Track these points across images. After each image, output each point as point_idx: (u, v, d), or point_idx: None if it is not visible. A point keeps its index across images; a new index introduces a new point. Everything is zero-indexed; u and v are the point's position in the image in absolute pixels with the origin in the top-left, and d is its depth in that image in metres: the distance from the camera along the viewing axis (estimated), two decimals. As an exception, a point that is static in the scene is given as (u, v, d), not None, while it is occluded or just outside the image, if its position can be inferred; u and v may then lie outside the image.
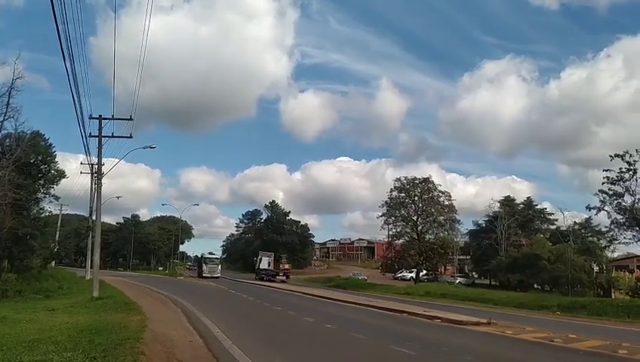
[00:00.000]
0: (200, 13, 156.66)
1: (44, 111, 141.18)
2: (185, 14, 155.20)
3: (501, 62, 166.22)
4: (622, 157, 31.47)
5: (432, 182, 53.55)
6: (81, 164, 42.32)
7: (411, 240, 53.46)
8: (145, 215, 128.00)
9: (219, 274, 61.96)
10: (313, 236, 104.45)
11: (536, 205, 69.04)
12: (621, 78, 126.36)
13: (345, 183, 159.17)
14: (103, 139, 25.12)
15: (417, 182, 53.53)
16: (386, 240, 59.33)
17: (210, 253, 72.06)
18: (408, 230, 54.00)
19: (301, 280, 63.17)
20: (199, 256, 73.14)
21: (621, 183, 31.92)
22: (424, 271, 59.33)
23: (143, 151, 30.37)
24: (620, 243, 38.78)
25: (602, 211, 34.03)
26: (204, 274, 61.00)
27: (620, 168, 31.69)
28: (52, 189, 36.73)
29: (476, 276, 70.31)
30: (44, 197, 36.40)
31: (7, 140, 29.32)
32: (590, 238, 51.70)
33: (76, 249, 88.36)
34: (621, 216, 32.94)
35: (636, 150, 31.28)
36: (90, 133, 25.07)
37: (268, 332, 13.59)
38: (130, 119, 25.63)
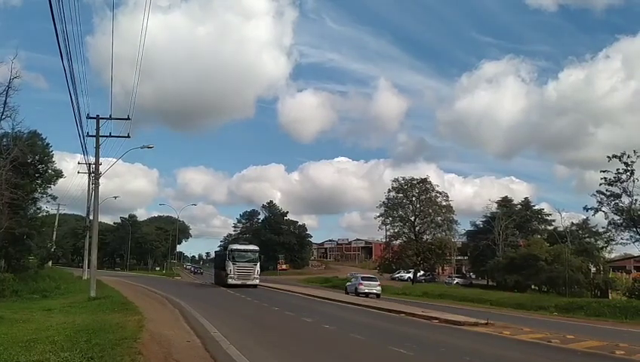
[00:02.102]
0: (198, 12, 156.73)
1: (42, 111, 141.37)
2: (182, 14, 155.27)
3: (500, 63, 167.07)
4: (619, 158, 31.55)
5: (430, 183, 53.75)
6: (79, 163, 42.39)
7: (409, 240, 53.53)
8: (142, 215, 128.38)
9: (257, 281, 36.63)
10: (311, 236, 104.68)
11: (534, 206, 69.21)
12: (619, 79, 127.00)
13: (343, 183, 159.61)
14: (100, 138, 25.15)
15: (415, 182, 53.64)
16: (384, 240, 59.36)
17: (242, 243, 44.77)
18: (406, 230, 54.09)
19: (299, 281, 63.14)
20: (223, 248, 45.51)
21: (618, 184, 32.03)
22: (422, 272, 59.43)
23: (141, 151, 30.35)
24: (617, 243, 38.95)
25: (600, 212, 34.24)
26: (229, 281, 35.04)
27: (618, 169, 31.81)
28: (49, 189, 36.66)
29: (473, 276, 70.33)
30: (42, 197, 36.32)
31: (5, 140, 29.25)
32: (587, 239, 51.72)
33: (73, 249, 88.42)
34: (618, 217, 33.07)
35: (634, 151, 31.41)
36: (87, 133, 25.11)
37: (266, 333, 13.57)
38: (128, 119, 25.71)
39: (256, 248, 39.52)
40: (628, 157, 31.42)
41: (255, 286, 35.77)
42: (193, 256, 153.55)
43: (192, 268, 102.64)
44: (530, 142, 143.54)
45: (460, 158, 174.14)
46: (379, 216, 54.87)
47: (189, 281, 55.50)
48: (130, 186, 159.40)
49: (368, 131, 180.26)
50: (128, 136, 26.25)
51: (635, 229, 32.33)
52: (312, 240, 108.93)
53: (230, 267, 35.62)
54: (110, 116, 25.44)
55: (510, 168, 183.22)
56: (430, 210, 53.21)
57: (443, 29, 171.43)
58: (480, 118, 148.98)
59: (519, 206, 67.47)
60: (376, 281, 37.06)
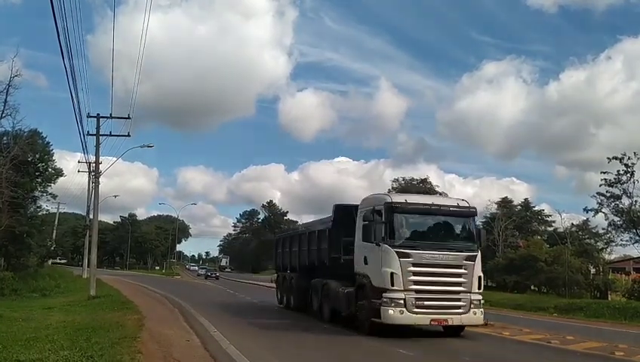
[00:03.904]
0: (198, 11, 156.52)
1: (42, 109, 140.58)
2: (183, 13, 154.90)
3: (501, 64, 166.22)
4: (620, 159, 31.54)
5: (430, 183, 53.72)
6: (79, 162, 42.33)
7: (409, 240, 53.44)
8: (142, 214, 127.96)
9: (481, 314, 12.48)
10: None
11: (534, 206, 69.17)
12: (621, 80, 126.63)
13: (343, 183, 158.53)
14: (100, 137, 25.13)
15: (415, 182, 53.65)
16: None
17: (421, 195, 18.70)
18: (406, 231, 54.02)
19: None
20: (344, 206, 15.04)
21: (619, 185, 32.00)
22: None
23: (141, 150, 30.41)
24: (616, 245, 38.91)
25: (600, 213, 34.22)
26: (389, 314, 11.43)
27: (618, 170, 31.78)
28: (49, 188, 36.79)
29: (473, 277, 70.31)
30: (42, 195, 36.48)
31: (5, 138, 29.32)
32: (587, 240, 51.76)
33: (73, 247, 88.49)
34: (618, 218, 33.06)
35: (634, 152, 31.38)
36: (88, 132, 25.09)
37: (266, 333, 13.57)
38: (128, 118, 25.67)
39: (471, 206, 13.31)
40: (628, 158, 31.41)
41: (461, 329, 13.13)
42: (193, 256, 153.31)
43: (204, 271, 69.67)
44: (531, 143, 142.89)
45: (460, 159, 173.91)
46: (379, 217, 54.80)
47: (187, 279, 54.98)
48: (130, 185, 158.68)
49: (368, 131, 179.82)
50: (128, 135, 26.25)
51: (634, 231, 32.32)
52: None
53: (395, 265, 11.72)
54: (110, 115, 25.40)
55: (510, 169, 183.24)
56: (430, 211, 53.16)
57: (443, 29, 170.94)
58: (480, 119, 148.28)
59: (519, 207, 67.40)
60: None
